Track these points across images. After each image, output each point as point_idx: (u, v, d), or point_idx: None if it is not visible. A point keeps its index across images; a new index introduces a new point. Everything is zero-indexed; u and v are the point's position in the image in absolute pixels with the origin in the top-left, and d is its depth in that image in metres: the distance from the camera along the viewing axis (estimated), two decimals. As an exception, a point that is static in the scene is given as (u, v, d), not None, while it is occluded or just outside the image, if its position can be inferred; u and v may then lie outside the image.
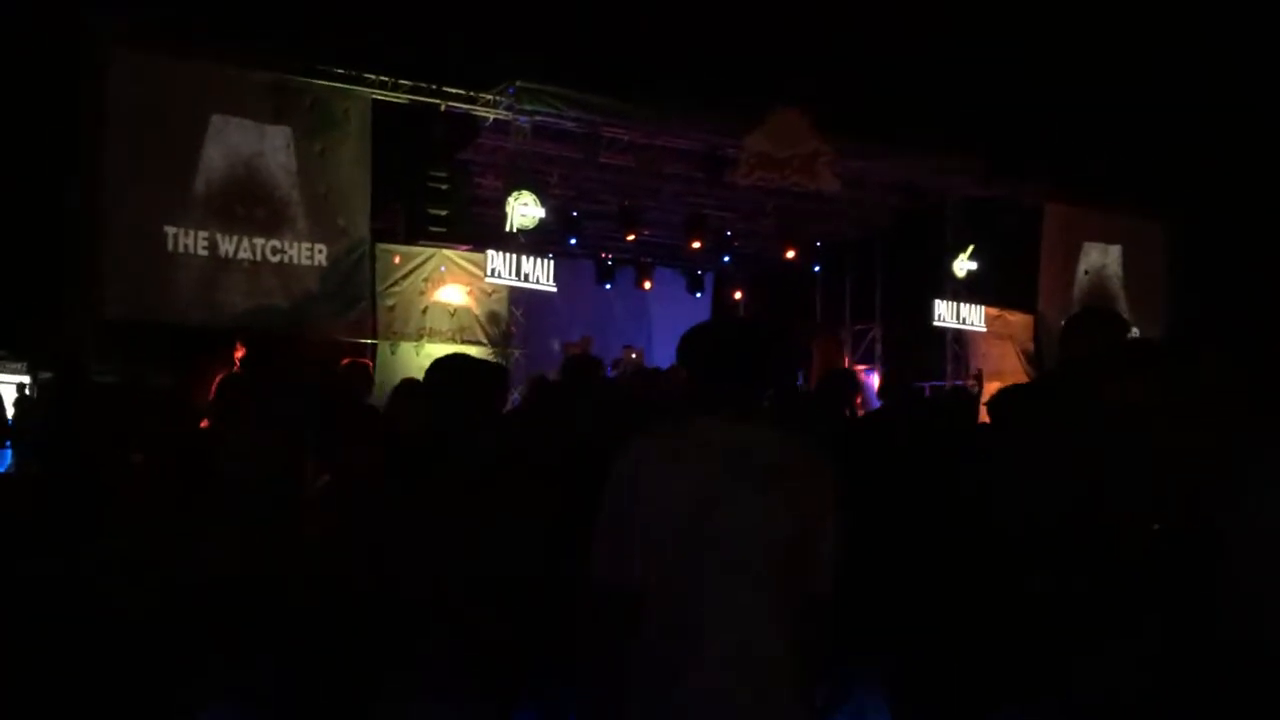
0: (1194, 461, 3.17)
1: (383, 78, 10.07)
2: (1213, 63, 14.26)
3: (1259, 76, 14.07)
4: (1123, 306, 14.22)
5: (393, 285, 10.54)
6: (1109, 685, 2.90)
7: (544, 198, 11.01)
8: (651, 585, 2.31)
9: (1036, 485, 3.23)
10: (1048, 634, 3.05)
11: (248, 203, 9.42)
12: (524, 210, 10.69)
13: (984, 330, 13.85)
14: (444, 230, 10.91)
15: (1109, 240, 14.57)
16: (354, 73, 9.91)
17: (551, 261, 11.00)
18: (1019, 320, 14.35)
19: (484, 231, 11.29)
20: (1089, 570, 3.01)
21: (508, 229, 10.70)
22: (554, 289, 11.15)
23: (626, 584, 2.33)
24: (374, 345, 10.19)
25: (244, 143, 9.39)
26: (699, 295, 17.78)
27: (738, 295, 18.44)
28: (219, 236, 9.23)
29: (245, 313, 9.25)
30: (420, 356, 10.08)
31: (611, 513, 2.39)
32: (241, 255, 9.34)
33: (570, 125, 11.10)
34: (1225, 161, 14.29)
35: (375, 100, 10.01)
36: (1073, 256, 14.35)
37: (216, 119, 9.26)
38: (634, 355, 13.36)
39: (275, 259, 9.51)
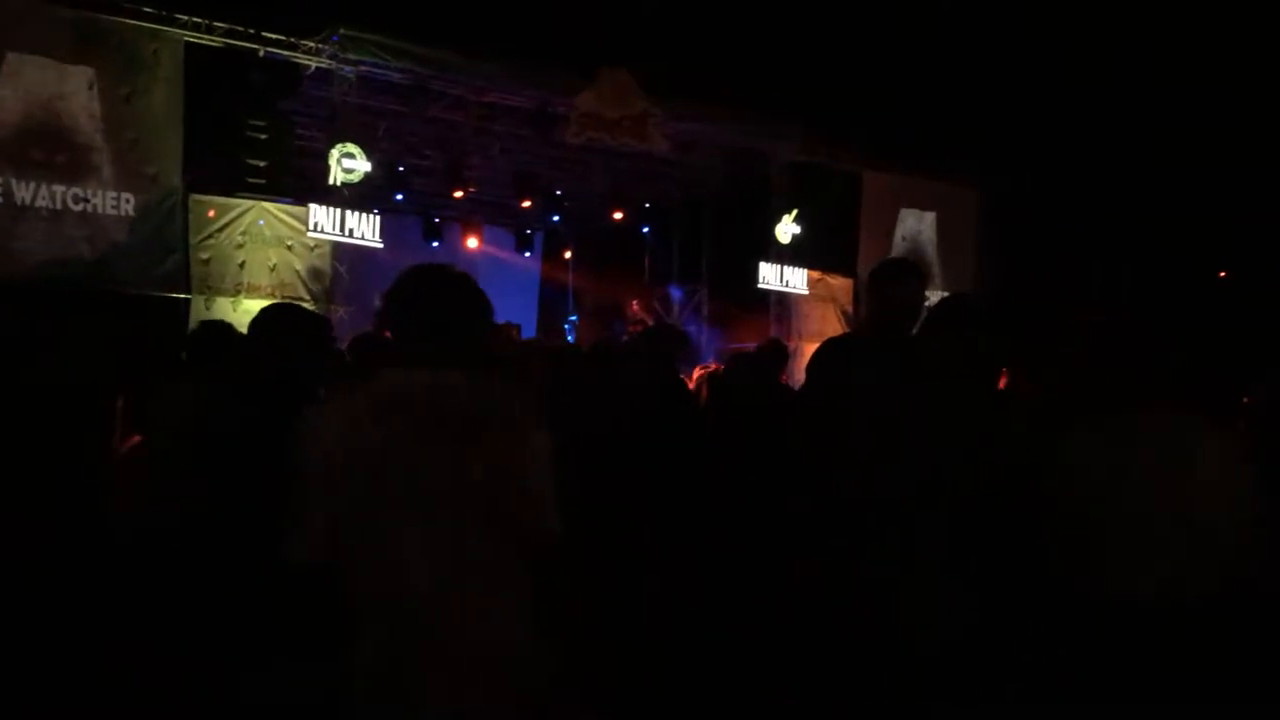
0: (1015, 417, 3.41)
1: (196, 19, 9.56)
2: (1023, 36, 15.03)
3: (1066, 50, 14.92)
4: (937, 271, 14.95)
5: (208, 238, 10.09)
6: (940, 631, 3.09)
7: (369, 151, 10.72)
8: (349, 550, 2.25)
9: (859, 438, 3.38)
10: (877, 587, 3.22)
11: (46, 147, 8.84)
12: (348, 164, 10.40)
13: (807, 293, 14.31)
14: (263, 182, 10.49)
15: (925, 207, 15.22)
16: (164, 12, 9.38)
17: (377, 217, 10.75)
18: (840, 283, 14.87)
19: (306, 185, 10.92)
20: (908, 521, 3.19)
21: (331, 183, 10.39)
22: (380, 245, 10.90)
23: (315, 554, 2.27)
24: (188, 300, 9.76)
25: (42, 83, 8.78)
26: (528, 254, 17.72)
27: (567, 254, 18.46)
28: (14, 182, 8.64)
29: (45, 264, 8.72)
30: (237, 312, 9.70)
31: (298, 482, 2.30)
32: (40, 203, 8.77)
33: (396, 77, 10.83)
34: (1036, 132, 15.14)
35: (188, 43, 9.51)
36: (890, 222, 14.93)
37: (11, 57, 8.64)
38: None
39: (78, 208, 8.97)
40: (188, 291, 9.78)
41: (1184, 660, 2.65)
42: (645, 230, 17.06)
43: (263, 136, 10.46)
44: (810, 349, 11.93)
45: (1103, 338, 3.03)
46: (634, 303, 14.96)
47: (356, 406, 2.36)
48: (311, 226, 10.22)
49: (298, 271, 10.63)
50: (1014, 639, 2.92)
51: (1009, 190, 15.07)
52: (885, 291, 3.73)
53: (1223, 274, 16.51)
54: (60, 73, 8.87)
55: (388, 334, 2.58)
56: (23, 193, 8.68)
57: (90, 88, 9.03)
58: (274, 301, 8.34)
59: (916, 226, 15.23)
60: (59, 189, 8.87)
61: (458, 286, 2.47)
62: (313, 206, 10.24)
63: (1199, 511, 2.70)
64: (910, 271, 3.99)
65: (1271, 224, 14.57)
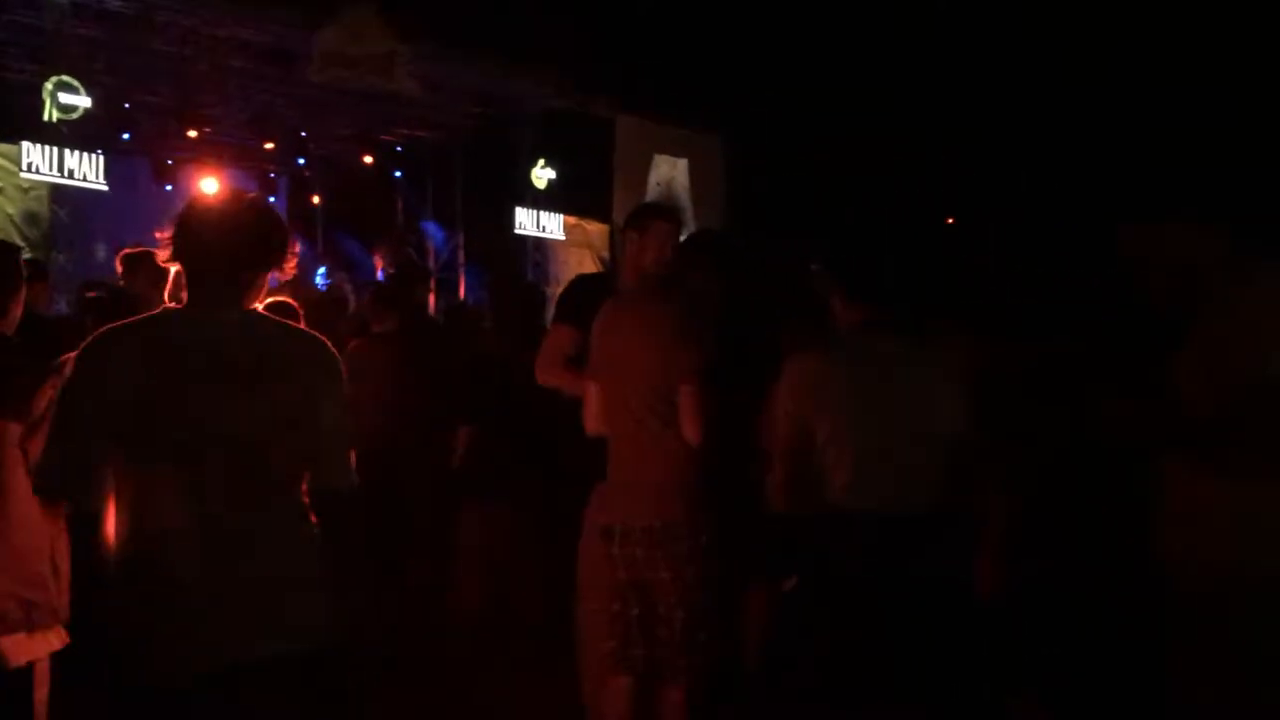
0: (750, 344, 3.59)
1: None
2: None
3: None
4: (689, 216, 15.34)
5: (-100, 178, 9.14)
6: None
7: (90, 86, 9.91)
8: (117, 497, 2.19)
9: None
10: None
11: None
12: (66, 99, 9.57)
13: (564, 239, 14.42)
14: (-35, 118, 9.56)
15: (676, 154, 15.56)
16: None
17: (101, 157, 10.00)
18: (596, 229, 15.07)
19: (17, 122, 10.00)
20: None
21: (46, 119, 9.55)
22: (105, 187, 10.16)
23: (76, 495, 2.22)
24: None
25: None
26: (272, 199, 16.91)
27: (315, 200, 17.75)
28: None
29: None
30: (-61, 261, 8.83)
31: (58, 413, 2.22)
32: None
33: (116, 5, 10.04)
34: (778, 79, 15.76)
35: None
36: (644, 168, 15.19)
37: None
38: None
39: None
40: (-123, 237, 8.81)
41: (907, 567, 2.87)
42: (397, 175, 16.64)
43: (-38, 66, 9.51)
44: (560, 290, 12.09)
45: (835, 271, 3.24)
46: (378, 254, 14.50)
47: (129, 344, 2.23)
48: (25, 167, 9.44)
49: (10, 215, 9.82)
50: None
51: (754, 137, 15.65)
52: (636, 233, 3.84)
53: (950, 220, 17.75)
54: None
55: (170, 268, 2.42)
56: None
57: None
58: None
59: (670, 173, 15.57)
60: None
61: (248, 220, 2.34)
62: (25, 145, 9.44)
63: (920, 427, 2.94)
64: (658, 212, 4.11)
65: (993, 175, 15.79)
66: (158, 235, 2.35)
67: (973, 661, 2.96)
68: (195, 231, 2.31)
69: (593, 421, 3.43)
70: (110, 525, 2.19)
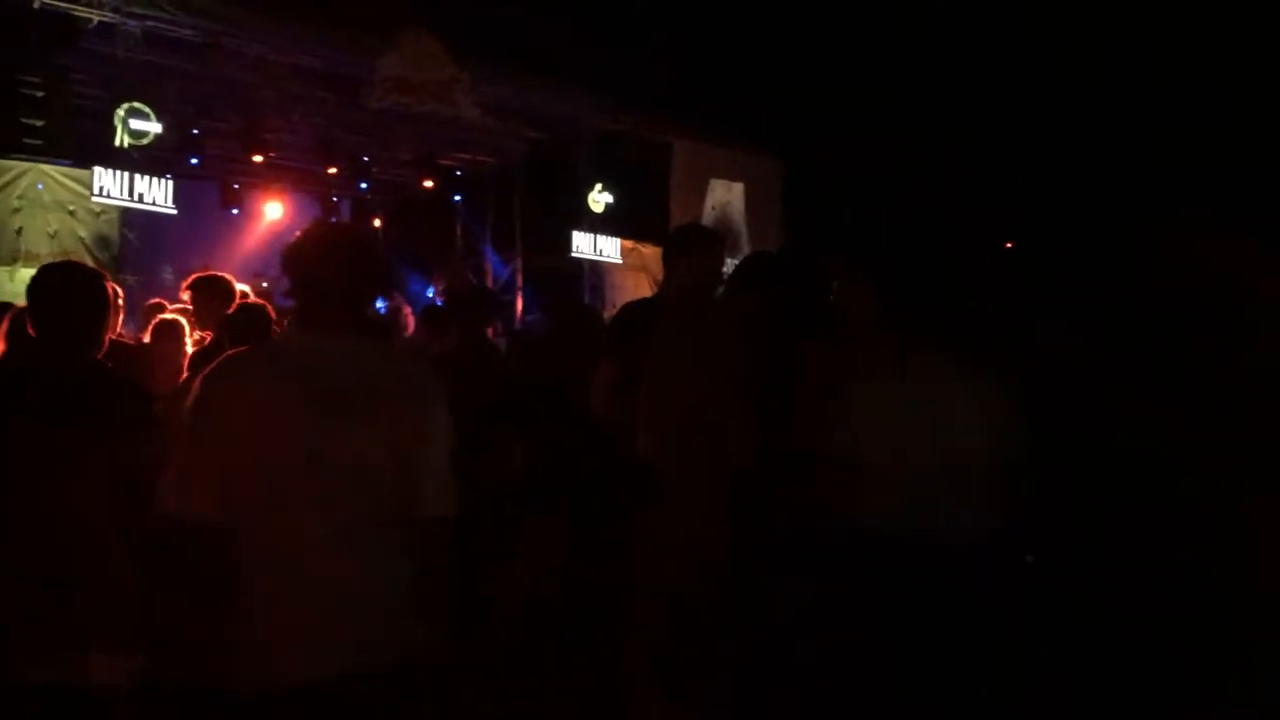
0: (796, 368, 3.56)
1: (-40, -34, 8.86)
2: (819, 13, 15.55)
3: (856, 27, 15.51)
4: (745, 240, 15.34)
5: (-21, 203, 9.42)
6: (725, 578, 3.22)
7: (160, 113, 10.17)
8: (234, 513, 2.23)
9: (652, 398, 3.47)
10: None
11: None
12: (136, 125, 9.85)
13: (620, 262, 14.46)
14: (40, 143, 9.82)
15: (733, 178, 15.57)
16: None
17: (170, 182, 10.24)
18: (652, 252, 15.04)
19: (90, 147, 10.27)
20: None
21: (118, 144, 9.82)
22: (173, 211, 10.40)
23: (203, 513, 2.24)
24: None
25: None
26: (334, 222, 17.20)
27: (376, 224, 18.01)
28: None
29: None
30: (14, 282, 9.09)
31: (188, 437, 2.29)
32: None
33: (187, 34, 10.30)
34: (835, 104, 15.70)
35: (-49, -9, 8.82)
36: (701, 192, 15.22)
37: None
38: None
39: None
40: (-44, 259, 9.11)
41: (946, 600, 2.82)
42: (457, 199, 16.83)
43: (39, 94, 9.79)
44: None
45: (879, 293, 3.21)
46: (436, 277, 14.71)
47: (260, 366, 2.30)
48: (96, 191, 9.66)
49: (81, 238, 10.03)
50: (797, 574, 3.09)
51: (811, 161, 15.61)
52: (684, 257, 3.85)
53: (1008, 244, 17.51)
54: None
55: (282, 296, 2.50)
56: None
57: None
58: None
59: (726, 197, 15.58)
60: None
61: (362, 249, 2.42)
62: (98, 170, 9.67)
63: (960, 454, 2.87)
64: (705, 236, 4.12)
65: (1052, 200, 15.57)
66: (168, 274, 2.41)
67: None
68: (308, 263, 2.37)
69: (644, 441, 3.43)
70: (229, 542, 2.24)
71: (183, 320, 5.74)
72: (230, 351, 2.38)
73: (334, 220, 13.66)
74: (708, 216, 15.20)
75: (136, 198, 9.87)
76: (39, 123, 9.77)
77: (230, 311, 4.73)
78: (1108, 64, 14.22)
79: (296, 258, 2.39)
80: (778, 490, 3.35)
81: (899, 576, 2.84)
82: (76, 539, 2.73)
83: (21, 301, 3.32)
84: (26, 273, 9.23)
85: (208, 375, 2.30)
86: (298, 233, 2.50)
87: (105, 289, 3.08)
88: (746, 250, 15.13)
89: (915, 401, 2.93)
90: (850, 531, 2.94)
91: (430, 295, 14.64)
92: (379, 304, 14.81)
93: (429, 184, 15.14)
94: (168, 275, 12.98)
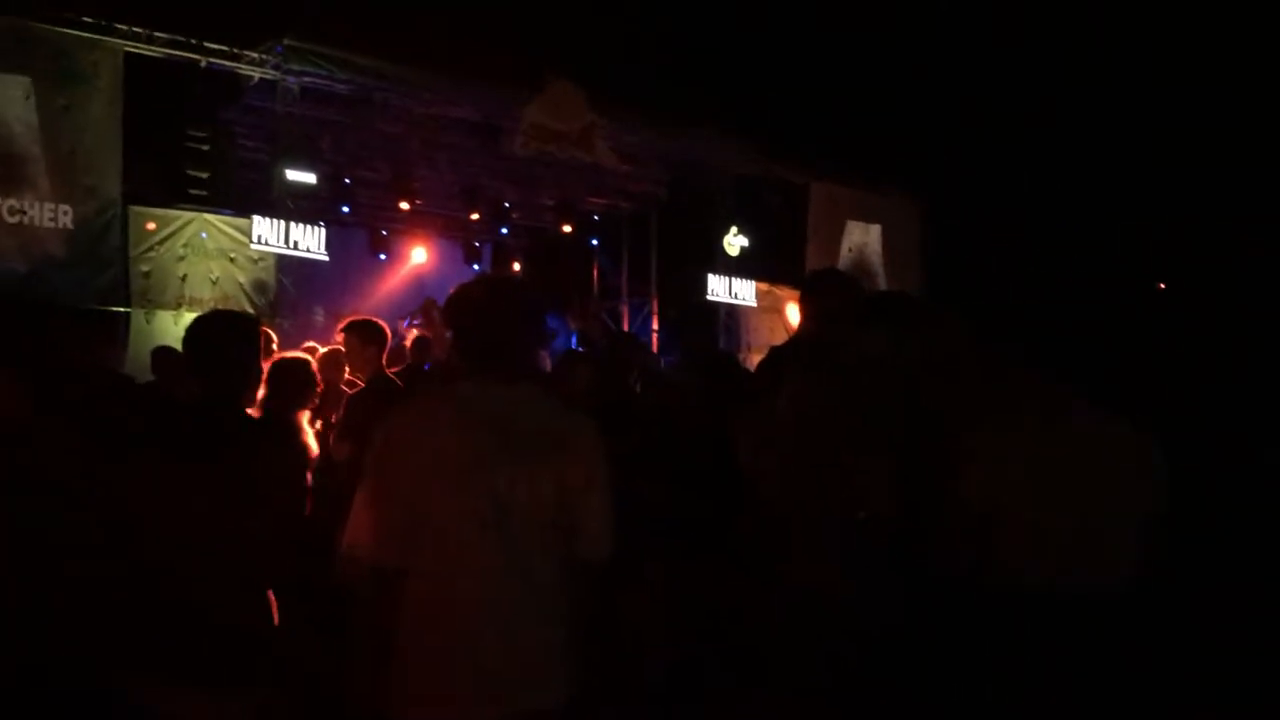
0: (931, 414, 3.45)
1: (136, 29, 9.42)
2: (958, 52, 15.28)
3: (999, 67, 15.18)
4: (882, 282, 15.11)
5: (148, 251, 9.94)
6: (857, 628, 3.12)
7: (314, 163, 10.63)
8: (412, 554, 2.30)
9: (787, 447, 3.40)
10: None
11: (-20, 158, 8.68)
12: (293, 175, 10.31)
13: (755, 305, 14.40)
14: (205, 194, 10.35)
15: (870, 220, 15.38)
16: (104, 22, 9.24)
17: (323, 229, 10.66)
18: (788, 295, 14.96)
19: (249, 196, 10.80)
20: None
21: (275, 195, 10.29)
22: (325, 258, 10.82)
23: (383, 556, 2.30)
24: (127, 314, 9.61)
25: (-25, 92, 8.63)
26: (476, 267, 17.61)
27: (515, 267, 18.39)
28: (-53, 194, 8.47)
29: (-24, 276, 8.54)
30: (178, 326, 9.57)
31: (367, 482, 2.36)
32: (-26, 215, 8.60)
33: (341, 89, 10.76)
34: (974, 144, 15.38)
35: (128, 53, 9.37)
36: (837, 234, 15.07)
37: (-57, 65, 8.48)
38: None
39: (14, 219, 8.78)
40: (126, 305, 9.62)
41: (1094, 653, 2.70)
42: (594, 242, 17.06)
43: (204, 148, 10.33)
44: (759, 360, 12.06)
45: (1020, 338, 3.09)
46: (578, 317, 14.90)
47: (435, 415, 2.38)
48: (255, 239, 10.09)
49: (241, 284, 10.50)
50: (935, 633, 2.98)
51: (952, 202, 15.30)
52: (814, 302, 3.79)
53: (1161, 285, 16.82)
54: (-5, 82, 8.72)
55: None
56: (-44, 204, 8.52)
57: (26, 97, 8.86)
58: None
59: (863, 239, 15.39)
60: (-7, 200, 8.71)
61: (526, 302, 2.49)
62: (256, 218, 10.12)
63: (1107, 507, 2.78)
64: (840, 278, 4.05)
65: (1210, 236, 14.90)
66: (319, 316, 2.50)
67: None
68: (475, 316, 2.46)
69: (776, 488, 3.37)
70: (398, 583, 2.31)
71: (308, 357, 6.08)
72: (403, 402, 2.45)
73: (498, 273, 13.97)
74: (844, 259, 15.04)
75: (292, 245, 10.29)
76: (204, 175, 10.29)
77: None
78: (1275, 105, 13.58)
79: (463, 311, 2.47)
80: (915, 540, 3.25)
81: (1045, 630, 2.74)
82: (210, 576, 2.82)
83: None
84: (190, 317, 9.73)
85: (387, 424, 2.38)
86: (458, 287, 2.56)
87: (258, 336, 3.22)
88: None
89: (1061, 452, 2.83)
90: (993, 584, 2.82)
91: (570, 338, 14.82)
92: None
93: (567, 228, 15.41)
94: (318, 317, 13.50)
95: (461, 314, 2.49)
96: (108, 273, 9.37)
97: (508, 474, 2.29)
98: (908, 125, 15.27)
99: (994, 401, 3.21)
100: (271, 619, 2.86)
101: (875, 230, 15.46)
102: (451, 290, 2.57)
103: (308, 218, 10.53)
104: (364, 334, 5.67)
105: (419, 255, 16.37)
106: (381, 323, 5.88)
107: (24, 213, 8.84)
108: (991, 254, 15.22)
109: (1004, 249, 15.35)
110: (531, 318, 2.52)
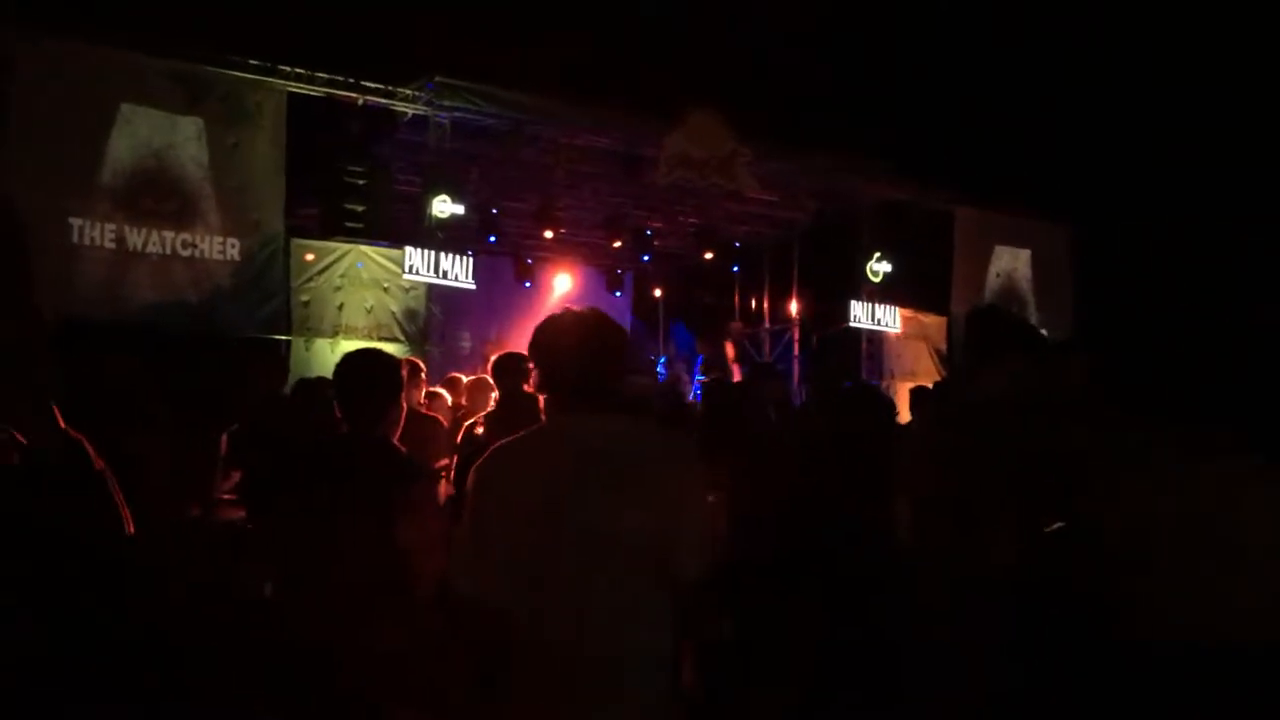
0: (1059, 460, 3.29)
1: (298, 70, 9.89)
2: (1111, 73, 14.74)
3: (1154, 88, 14.58)
4: (1032, 308, 14.65)
5: (307, 281, 10.36)
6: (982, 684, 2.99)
7: (463, 194, 10.94)
8: (513, 593, 2.31)
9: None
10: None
11: (157, 195, 9.17)
12: (442, 207, 10.63)
13: (899, 331, 14.12)
14: (361, 226, 10.76)
15: (1018, 244, 14.94)
16: (268, 64, 9.73)
17: (471, 259, 10.94)
18: (932, 321, 14.64)
19: (402, 228, 11.18)
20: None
21: (426, 226, 10.62)
22: (473, 286, 11.10)
23: (488, 593, 2.33)
24: (288, 342, 10.04)
25: (154, 133, 9.14)
26: (618, 294, 17.80)
27: (657, 294, 18.52)
28: (127, 229, 8.98)
29: (151, 307, 9.02)
30: (335, 354, 9.92)
31: (469, 520, 2.39)
32: (150, 249, 9.10)
33: (489, 122, 11.05)
34: (1128, 167, 14.78)
35: (290, 93, 9.85)
36: (984, 259, 14.68)
37: (125, 108, 9.00)
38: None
39: (186, 253, 9.30)
40: (288, 333, 10.05)
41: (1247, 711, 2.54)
42: (735, 269, 17.04)
43: (361, 182, 10.74)
44: (903, 388, 11.81)
45: (1157, 384, 2.95)
46: (728, 345, 14.90)
47: (533, 449, 2.42)
48: (407, 269, 10.43)
49: (393, 313, 10.84)
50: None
51: (1104, 225, 14.72)
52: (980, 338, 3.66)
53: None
54: (171, 123, 9.23)
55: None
56: (135, 239, 9.02)
57: (199, 137, 9.38)
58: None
59: (1011, 264, 14.95)
60: (169, 235, 9.20)
61: (609, 334, 2.53)
62: (408, 249, 10.46)
63: (1253, 556, 2.63)
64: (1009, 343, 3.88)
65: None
66: (465, 343, 2.55)
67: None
68: (557, 354, 2.49)
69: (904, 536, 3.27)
70: (503, 618, 2.35)
71: (444, 393, 6.34)
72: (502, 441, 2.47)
73: (575, 308, 14.09)
74: (992, 284, 14.65)
75: (441, 274, 10.58)
76: (360, 208, 10.69)
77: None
78: None
79: (546, 350, 2.50)
80: (1046, 588, 3.11)
81: (1192, 683, 2.60)
82: (350, 605, 2.90)
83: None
84: (346, 345, 10.12)
85: (488, 460, 2.41)
86: (542, 324, 2.57)
87: (400, 374, 3.34)
88: (1034, 320, 14.40)
89: (1204, 499, 2.69)
90: (1133, 634, 2.68)
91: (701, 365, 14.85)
92: (660, 371, 15.21)
93: (709, 255, 15.44)
94: (465, 344, 13.85)
95: (542, 355, 2.51)
96: (272, 302, 9.81)
97: (605, 505, 2.30)
98: (1058, 148, 14.79)
99: (1132, 444, 3.05)
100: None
101: (1024, 255, 14.99)
102: (536, 328, 2.58)
103: (456, 247, 10.83)
104: (508, 368, 5.72)
105: (563, 283, 16.64)
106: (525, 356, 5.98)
107: (195, 246, 9.34)
108: (1146, 282, 14.57)
109: (1159, 277, 14.68)
110: (618, 349, 2.52)
